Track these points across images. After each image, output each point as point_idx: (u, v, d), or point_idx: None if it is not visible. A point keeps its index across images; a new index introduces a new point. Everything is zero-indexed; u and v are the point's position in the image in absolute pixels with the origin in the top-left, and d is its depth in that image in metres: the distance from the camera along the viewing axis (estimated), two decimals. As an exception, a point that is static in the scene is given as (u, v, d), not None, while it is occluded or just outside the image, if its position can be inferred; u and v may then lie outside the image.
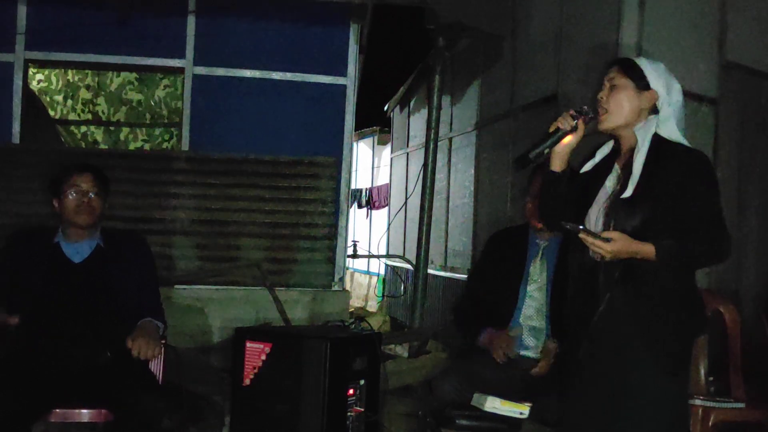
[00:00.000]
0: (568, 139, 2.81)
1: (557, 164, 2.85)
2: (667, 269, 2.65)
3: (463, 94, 8.80)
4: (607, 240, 2.58)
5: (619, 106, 2.79)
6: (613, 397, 2.71)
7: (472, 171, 8.36)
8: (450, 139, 9.09)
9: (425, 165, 6.94)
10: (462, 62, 8.72)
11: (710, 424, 3.81)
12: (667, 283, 2.68)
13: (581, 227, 2.64)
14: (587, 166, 2.91)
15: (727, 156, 5.57)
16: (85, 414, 3.31)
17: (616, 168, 2.84)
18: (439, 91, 6.92)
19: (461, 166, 8.80)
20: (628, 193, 2.68)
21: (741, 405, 3.91)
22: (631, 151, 2.79)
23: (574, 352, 2.84)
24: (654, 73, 2.81)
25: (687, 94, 5.37)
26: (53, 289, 3.47)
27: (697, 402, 3.86)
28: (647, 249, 2.61)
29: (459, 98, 8.94)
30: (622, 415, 2.70)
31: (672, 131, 2.79)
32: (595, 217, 2.79)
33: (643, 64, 2.84)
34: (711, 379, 4.04)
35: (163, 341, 3.53)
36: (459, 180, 8.85)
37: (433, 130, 6.91)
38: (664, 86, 2.81)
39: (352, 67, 7.18)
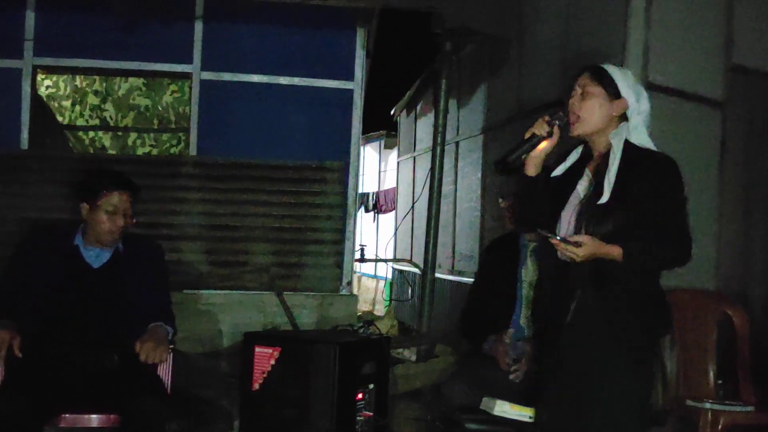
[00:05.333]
0: (543, 145, 2.89)
1: (532, 169, 2.93)
2: (633, 271, 2.75)
3: (470, 98, 8.80)
4: (578, 244, 2.68)
5: (591, 113, 2.88)
6: (584, 392, 2.80)
7: (479, 175, 8.35)
8: (457, 143, 9.09)
9: (432, 169, 6.94)
10: (468, 66, 8.72)
11: (719, 427, 3.80)
12: (633, 285, 2.78)
13: (557, 237, 2.73)
14: (559, 170, 2.99)
15: (734, 159, 5.56)
16: (94, 419, 3.31)
17: (587, 173, 2.92)
18: (445, 95, 6.92)
19: (468, 170, 8.80)
20: (604, 198, 2.75)
21: (750, 408, 3.90)
22: (602, 156, 2.88)
23: (550, 351, 2.91)
24: (624, 81, 2.90)
25: (694, 97, 5.43)
26: (69, 294, 3.44)
27: (707, 405, 3.86)
28: (615, 251, 2.71)
29: (466, 102, 8.94)
30: (592, 405, 2.78)
31: (642, 138, 2.89)
32: (567, 220, 2.88)
33: (613, 71, 2.92)
34: (720, 382, 4.04)
35: (172, 346, 3.52)
36: (466, 184, 8.84)
37: (440, 134, 6.92)
38: (634, 95, 2.90)
39: (359, 72, 7.19)
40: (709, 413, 3.83)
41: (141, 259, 3.64)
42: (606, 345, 2.78)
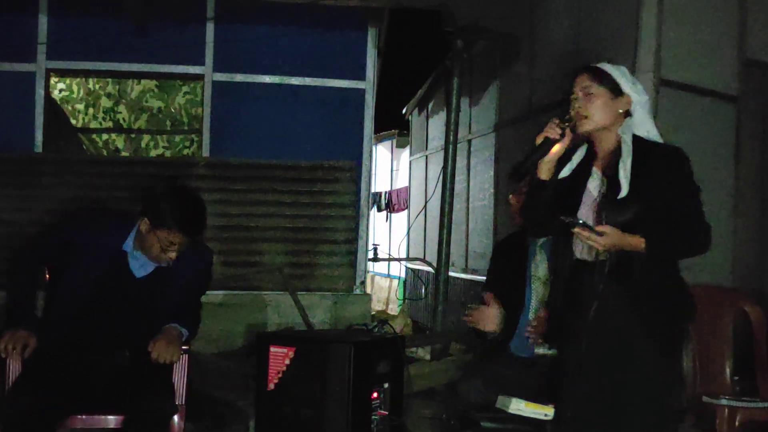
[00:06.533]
0: (556, 148, 2.89)
1: (545, 172, 2.93)
2: (653, 263, 2.77)
3: (482, 96, 8.79)
4: (600, 234, 2.70)
5: (598, 112, 2.88)
6: (612, 386, 2.82)
7: (492, 173, 8.34)
8: (469, 141, 9.08)
9: (445, 167, 6.93)
10: (480, 64, 8.71)
11: (736, 424, 3.78)
12: (655, 276, 2.80)
13: (580, 221, 2.74)
14: (565, 171, 2.99)
15: (749, 154, 5.54)
16: (106, 420, 3.28)
17: (596, 171, 2.93)
18: (457, 93, 6.91)
19: (481, 167, 8.79)
20: (624, 193, 2.77)
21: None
22: (610, 154, 2.90)
23: (572, 348, 2.91)
24: (622, 77, 2.92)
25: (708, 93, 5.40)
26: (104, 299, 3.36)
27: (723, 402, 3.83)
28: (637, 241, 2.73)
29: (477, 100, 8.93)
30: (621, 399, 2.80)
31: (650, 131, 2.92)
32: (584, 218, 2.86)
33: (610, 69, 2.93)
34: (737, 378, 4.01)
35: (186, 347, 3.48)
36: (479, 182, 8.84)
37: (452, 133, 6.91)
38: (633, 89, 2.92)
39: (371, 71, 7.20)
40: (726, 410, 3.80)
41: (186, 271, 3.46)
42: (632, 337, 2.80)
